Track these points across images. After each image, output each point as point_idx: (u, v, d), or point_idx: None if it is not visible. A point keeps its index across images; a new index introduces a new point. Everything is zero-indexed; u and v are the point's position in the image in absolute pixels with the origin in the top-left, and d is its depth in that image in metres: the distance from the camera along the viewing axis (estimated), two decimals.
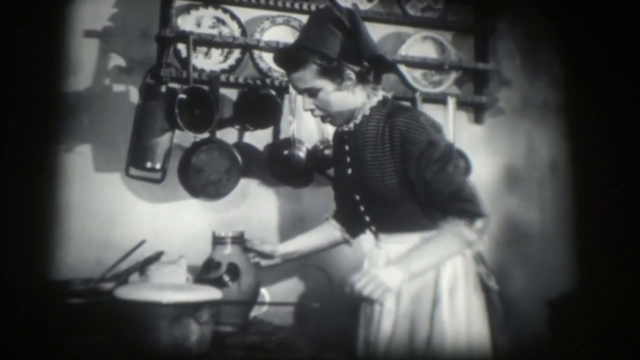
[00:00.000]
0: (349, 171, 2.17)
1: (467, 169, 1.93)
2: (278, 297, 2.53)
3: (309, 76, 2.04)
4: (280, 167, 2.81)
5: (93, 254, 2.51)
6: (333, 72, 2.03)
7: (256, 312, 2.29)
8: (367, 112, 2.11)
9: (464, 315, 2.02)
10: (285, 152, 2.81)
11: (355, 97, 2.09)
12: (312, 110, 2.11)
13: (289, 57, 2.09)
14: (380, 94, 2.13)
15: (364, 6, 3.00)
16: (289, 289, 2.79)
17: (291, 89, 2.77)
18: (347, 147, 2.17)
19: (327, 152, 2.83)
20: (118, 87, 2.70)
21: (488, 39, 3.15)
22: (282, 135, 2.84)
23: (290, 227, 2.85)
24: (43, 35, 1.60)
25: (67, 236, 2.51)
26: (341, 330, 2.46)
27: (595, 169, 1.87)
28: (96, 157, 2.65)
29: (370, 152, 2.08)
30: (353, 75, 2.05)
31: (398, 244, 2.08)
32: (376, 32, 3.05)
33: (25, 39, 1.57)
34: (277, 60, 2.15)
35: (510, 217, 3.17)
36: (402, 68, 3.03)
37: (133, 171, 2.61)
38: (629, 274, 1.78)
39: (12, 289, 1.52)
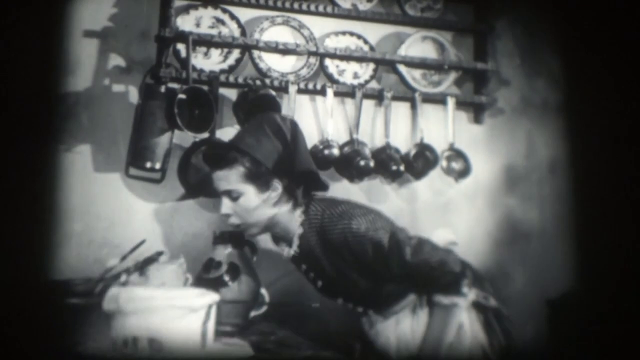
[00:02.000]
0: (320, 284, 2.17)
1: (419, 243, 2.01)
2: (278, 297, 2.52)
3: (233, 177, 1.95)
4: None
5: (93, 254, 2.51)
6: (260, 180, 1.95)
7: (256, 311, 2.30)
8: (301, 231, 2.04)
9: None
10: None
11: (277, 210, 2.00)
12: (228, 216, 2.01)
13: (218, 153, 2.01)
14: (299, 212, 2.04)
15: (364, 6, 3.00)
16: (288, 289, 2.79)
17: (291, 89, 2.78)
18: (304, 267, 2.15)
19: (326, 152, 2.83)
20: (117, 87, 2.70)
21: (487, 38, 3.15)
22: None
23: None
24: (43, 35, 1.60)
25: (67, 236, 2.51)
26: (341, 330, 2.46)
27: (595, 168, 1.87)
28: (96, 157, 2.65)
29: (329, 269, 2.05)
30: (280, 188, 1.98)
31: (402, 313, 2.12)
32: (375, 32, 3.06)
33: (24, 38, 1.57)
34: (206, 155, 2.09)
35: (510, 217, 3.17)
36: (402, 68, 3.03)
37: (133, 171, 2.61)
38: (628, 273, 1.78)
39: (12, 288, 1.52)
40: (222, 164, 1.96)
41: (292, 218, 2.02)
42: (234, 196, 1.97)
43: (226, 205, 1.99)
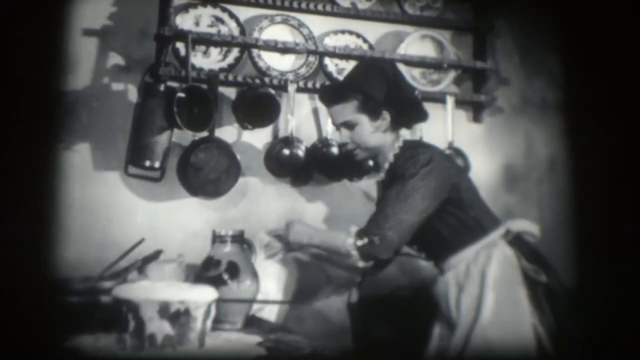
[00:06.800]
0: None
1: (422, 211, 2.14)
2: (277, 295, 2.52)
3: (349, 110, 2.24)
4: (279, 166, 2.82)
5: (92, 253, 2.51)
6: (372, 110, 2.23)
7: (255, 310, 2.29)
8: (392, 160, 2.28)
9: (509, 309, 2.11)
10: (284, 150, 2.81)
11: (385, 138, 2.27)
12: (345, 144, 2.31)
13: (334, 91, 2.33)
14: (401, 140, 2.30)
15: (363, 5, 3.00)
16: (287, 287, 2.79)
17: (290, 88, 2.78)
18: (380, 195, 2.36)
19: (325, 150, 2.83)
20: (117, 86, 2.70)
21: (486, 37, 3.15)
22: (281, 134, 2.85)
23: None
24: (42, 34, 1.59)
25: (66, 235, 2.51)
26: (340, 328, 2.46)
27: (594, 167, 1.87)
28: (95, 155, 2.65)
29: None
30: (388, 117, 2.25)
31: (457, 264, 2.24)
32: (375, 30, 3.06)
33: (23, 37, 1.57)
34: (322, 93, 2.40)
35: (509, 216, 3.14)
36: (401, 67, 3.03)
37: (132, 170, 2.62)
38: (628, 272, 1.78)
39: (10, 287, 1.52)
40: (337, 100, 2.26)
41: (391, 149, 2.30)
42: (350, 125, 2.26)
43: (344, 134, 2.30)
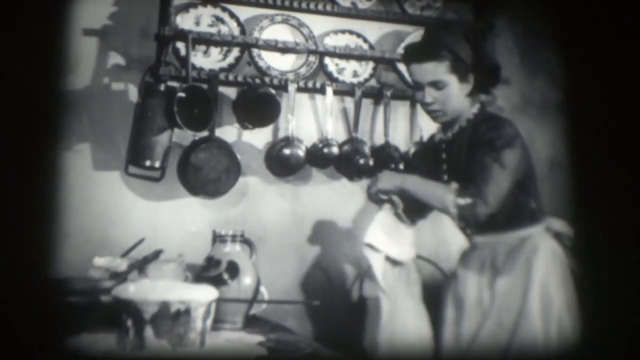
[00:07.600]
0: (445, 178, 2.27)
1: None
2: (277, 295, 2.53)
3: (441, 69, 2.17)
4: (280, 166, 2.82)
5: (92, 252, 2.51)
6: (461, 72, 2.18)
7: (255, 310, 2.30)
8: (464, 124, 2.23)
9: (555, 309, 2.09)
10: (285, 150, 2.81)
11: (465, 102, 2.22)
12: (430, 104, 2.22)
13: (426, 48, 2.22)
14: (477, 106, 2.25)
15: (363, 4, 3.00)
16: (288, 287, 2.80)
17: (290, 88, 2.78)
18: (443, 156, 2.29)
19: (326, 150, 2.83)
20: (117, 86, 2.70)
21: (487, 37, 3.15)
22: (281, 134, 2.85)
23: (290, 225, 2.85)
24: (42, 34, 1.60)
25: (66, 234, 2.51)
26: (340, 327, 2.46)
27: (595, 167, 1.87)
28: (95, 155, 2.65)
29: (465, 161, 2.20)
30: (472, 81, 2.20)
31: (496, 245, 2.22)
32: (375, 30, 3.05)
33: (24, 37, 1.57)
34: (412, 49, 2.29)
35: None
36: (401, 66, 3.03)
37: (132, 169, 2.62)
38: (629, 273, 1.78)
39: (9, 287, 1.52)
40: (429, 57, 2.18)
41: (467, 112, 2.24)
42: (440, 86, 2.18)
43: (430, 94, 2.20)
